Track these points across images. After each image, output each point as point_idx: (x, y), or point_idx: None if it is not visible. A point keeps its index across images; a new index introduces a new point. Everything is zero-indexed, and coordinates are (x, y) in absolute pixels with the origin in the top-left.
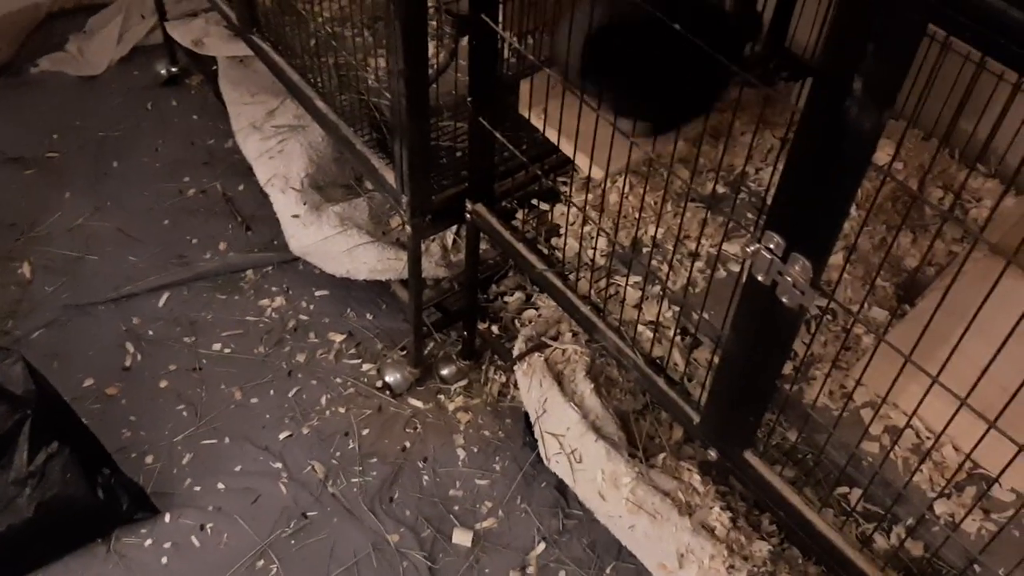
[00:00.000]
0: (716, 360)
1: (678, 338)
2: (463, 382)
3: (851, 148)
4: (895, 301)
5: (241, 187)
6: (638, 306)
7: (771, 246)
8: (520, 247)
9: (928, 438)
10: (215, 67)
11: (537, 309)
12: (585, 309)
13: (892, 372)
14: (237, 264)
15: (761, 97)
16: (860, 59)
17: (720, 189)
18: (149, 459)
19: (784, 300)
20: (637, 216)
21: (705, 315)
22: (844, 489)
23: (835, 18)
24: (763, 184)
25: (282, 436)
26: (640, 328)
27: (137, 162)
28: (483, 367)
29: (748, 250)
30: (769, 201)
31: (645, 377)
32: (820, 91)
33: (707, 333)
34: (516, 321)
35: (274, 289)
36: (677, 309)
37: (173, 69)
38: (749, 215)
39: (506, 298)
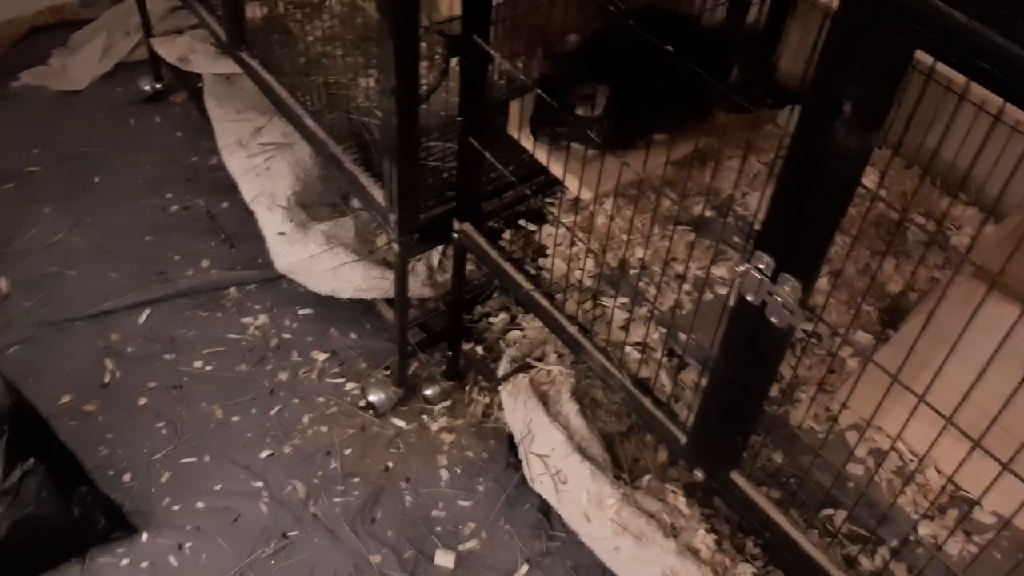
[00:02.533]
0: (703, 381)
1: (665, 359)
2: (447, 403)
3: (839, 169)
4: (879, 325)
5: (225, 204)
6: (625, 327)
7: (761, 266)
8: (507, 267)
9: (911, 460)
10: (200, 84)
11: (522, 330)
12: (572, 329)
13: (876, 395)
14: (219, 281)
15: (745, 123)
16: (849, 82)
17: (707, 213)
18: (127, 477)
19: (773, 320)
20: (625, 238)
21: (693, 336)
22: (829, 511)
23: (826, 42)
24: (749, 208)
25: (263, 455)
26: (627, 349)
27: (118, 178)
28: (467, 388)
29: (738, 270)
30: (758, 223)
31: (632, 398)
32: (810, 113)
33: (694, 355)
34: (501, 342)
35: (257, 307)
36: (664, 331)
37: (157, 86)
38: (736, 239)
39: (491, 319)
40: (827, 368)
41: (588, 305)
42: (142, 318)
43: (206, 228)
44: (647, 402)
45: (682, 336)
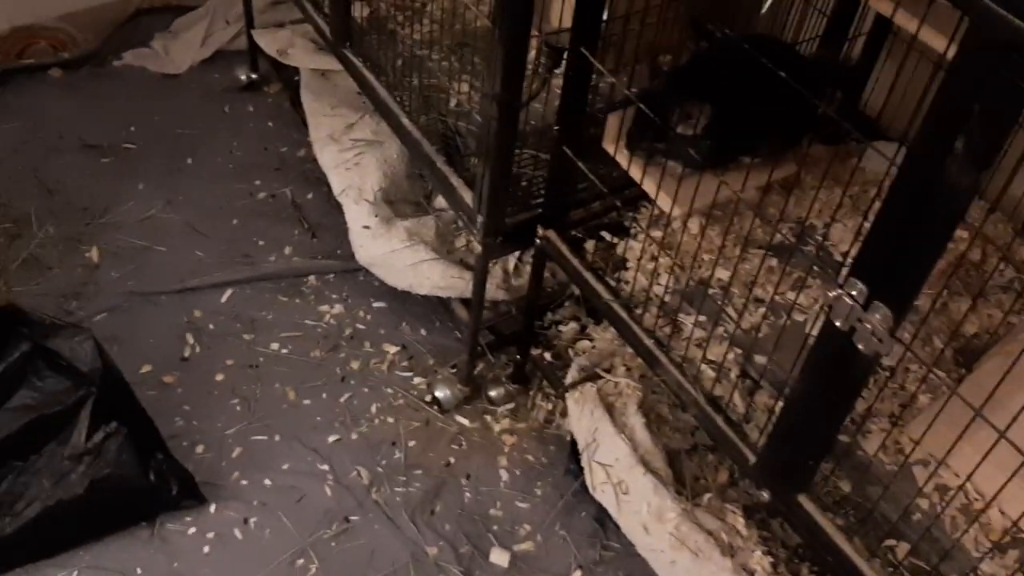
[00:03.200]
0: (777, 404)
1: (739, 380)
2: (510, 405)
3: (945, 205)
4: (953, 364)
5: (310, 195)
6: (701, 345)
7: (853, 293)
8: (588, 276)
9: (976, 499)
10: (297, 77)
11: (592, 340)
12: (649, 343)
13: (946, 433)
14: (300, 269)
15: (830, 155)
16: (965, 121)
17: (788, 239)
18: (200, 449)
19: (860, 347)
20: (706, 257)
21: (770, 359)
22: (892, 542)
23: (945, 78)
24: (832, 239)
25: (331, 439)
26: (702, 367)
27: (211, 161)
28: (531, 393)
29: (830, 295)
30: (839, 254)
31: (704, 414)
32: (921, 148)
33: (768, 378)
34: (569, 350)
35: (334, 296)
36: (739, 351)
37: (253, 76)
38: (815, 268)
39: (561, 327)
40: (900, 402)
41: (665, 321)
42: (224, 297)
43: (291, 216)
44: (719, 420)
45: (758, 359)
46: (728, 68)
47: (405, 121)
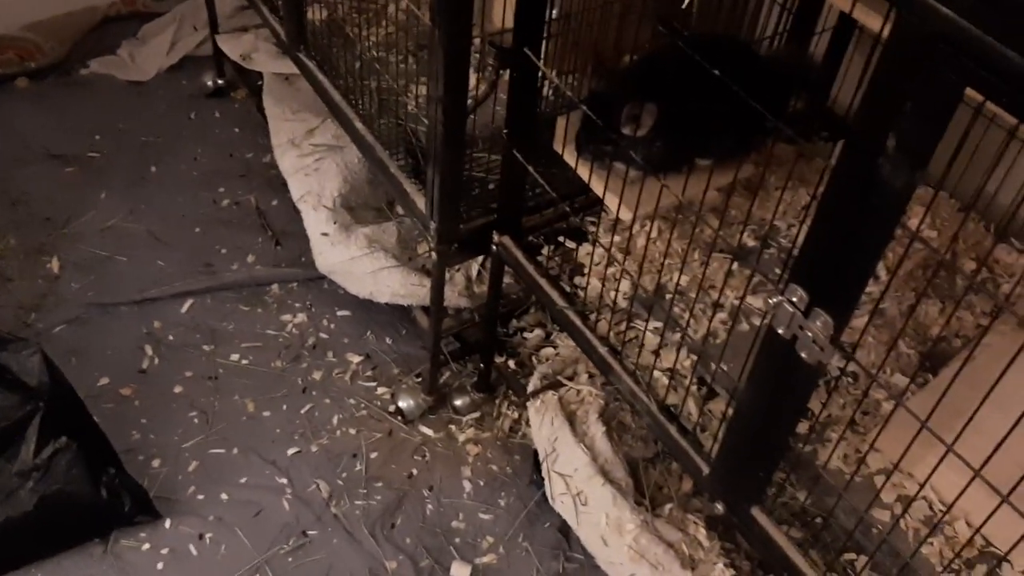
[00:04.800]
0: (730, 412)
1: (693, 387)
2: (475, 414)
3: (881, 206)
4: (919, 369)
5: (275, 202)
6: (656, 352)
7: (794, 299)
8: (543, 283)
9: (941, 510)
10: (260, 82)
11: (555, 347)
12: (603, 350)
13: (908, 440)
14: (263, 277)
15: (798, 154)
16: (896, 117)
17: (750, 242)
18: (156, 463)
19: (803, 355)
20: (662, 262)
21: (723, 366)
22: (851, 555)
23: (875, 74)
24: (794, 240)
25: (290, 452)
26: (656, 374)
27: (175, 169)
28: (497, 401)
29: (770, 302)
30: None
31: (657, 423)
32: (854, 146)
33: (724, 385)
34: (533, 357)
35: (297, 305)
36: (695, 358)
37: (219, 81)
38: (777, 270)
39: (525, 334)
40: (858, 407)
41: (622, 327)
42: (184, 307)
43: (254, 224)
44: (672, 429)
45: (713, 365)
46: (679, 68)
47: (359, 125)
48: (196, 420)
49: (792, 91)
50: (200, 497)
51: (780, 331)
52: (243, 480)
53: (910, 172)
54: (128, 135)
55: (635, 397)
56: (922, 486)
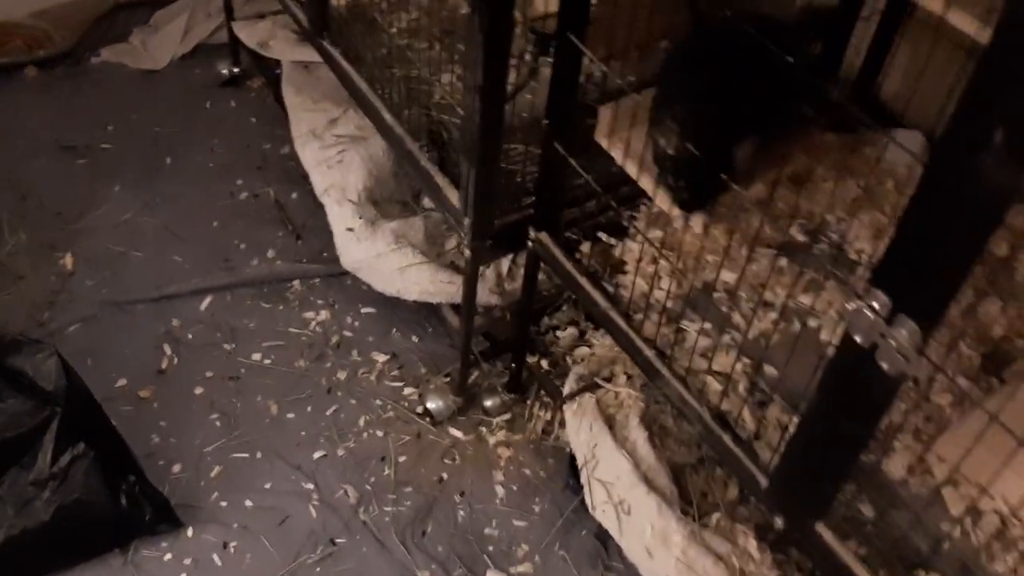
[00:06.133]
0: (791, 421)
1: (745, 392)
2: (506, 416)
3: (981, 205)
4: (981, 371)
5: (294, 195)
6: (707, 355)
7: (875, 305)
8: (583, 281)
9: (1015, 524)
10: (278, 71)
11: (591, 347)
12: (649, 353)
13: (978, 451)
14: (284, 273)
15: (843, 144)
16: (1006, 107)
17: (799, 238)
18: (176, 468)
19: (884, 366)
20: (712, 259)
21: (780, 372)
22: (921, 573)
23: (982, 60)
24: (845, 236)
25: (316, 456)
26: (707, 379)
27: (190, 160)
28: (528, 402)
29: (848, 307)
30: (855, 251)
31: (710, 432)
32: (952, 141)
33: (780, 391)
34: (567, 358)
35: (320, 302)
36: (748, 362)
37: (235, 70)
38: (828, 266)
39: (558, 332)
40: (925, 415)
41: (667, 329)
42: (203, 305)
43: (274, 218)
44: (727, 438)
45: (769, 370)
46: (708, 61)
47: (386, 116)
48: (218, 423)
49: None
50: (223, 504)
51: (858, 338)
52: (268, 486)
53: (1017, 168)
54: (141, 126)
55: (685, 404)
56: (981, 493)
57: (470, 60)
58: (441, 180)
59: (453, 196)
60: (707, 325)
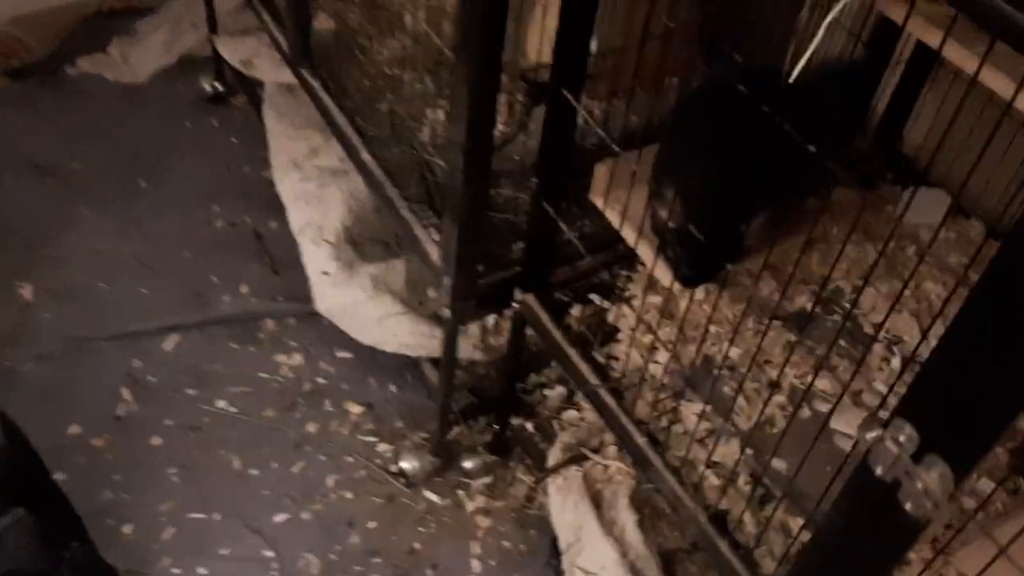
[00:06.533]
0: (797, 526)
1: (746, 486)
2: (487, 479)
3: None
4: (1009, 470)
5: (274, 224)
6: (703, 441)
7: (901, 439)
8: (571, 353)
9: None
10: (262, 91)
11: (579, 411)
12: (640, 440)
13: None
14: (257, 311)
15: (861, 201)
16: None
17: (810, 307)
18: (127, 529)
19: (907, 507)
20: (713, 329)
21: (781, 462)
22: None
23: None
24: (862, 306)
25: (279, 519)
26: (704, 471)
27: (167, 184)
28: (511, 465)
29: (867, 436)
30: (871, 324)
31: (705, 537)
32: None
33: (783, 486)
34: (555, 422)
35: (293, 344)
36: (750, 452)
37: (219, 86)
38: (843, 343)
39: (546, 391)
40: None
41: (664, 407)
42: (169, 344)
43: (251, 249)
44: (724, 546)
45: (773, 464)
46: (718, 119)
47: (366, 156)
48: (175, 478)
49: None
50: (175, 571)
51: (878, 471)
52: (225, 551)
53: None
54: (117, 144)
55: (679, 502)
56: None
57: (454, 114)
58: (421, 232)
59: (434, 252)
60: (707, 407)
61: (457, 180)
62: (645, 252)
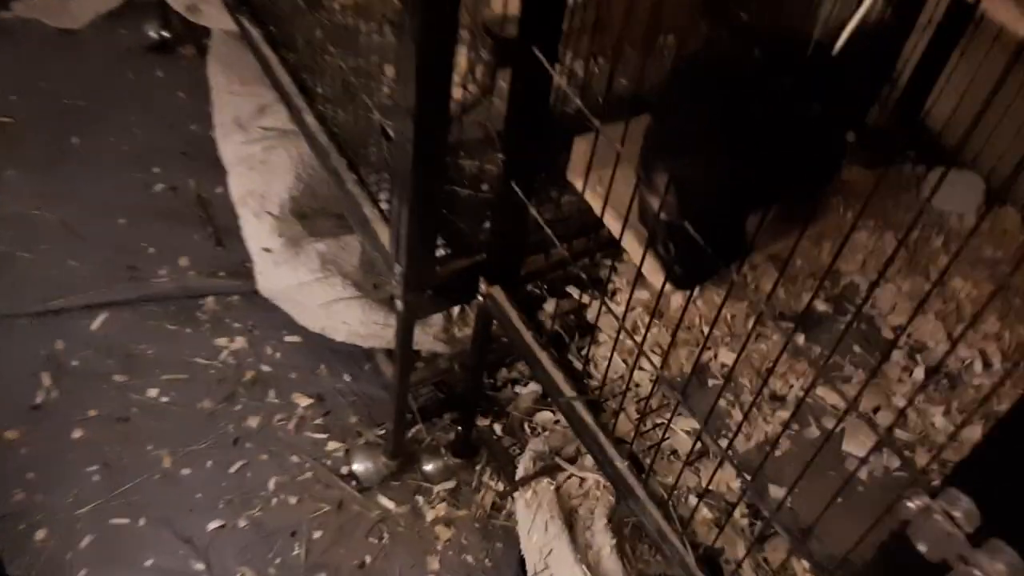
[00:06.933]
0: (800, 568)
1: (744, 520)
2: (450, 484)
3: None
4: None
5: (220, 190)
6: (696, 467)
7: (956, 515)
8: (543, 357)
9: None
10: (208, 40)
11: (555, 412)
12: (621, 464)
13: None
14: (197, 288)
15: (873, 181)
16: None
17: (820, 306)
18: (40, 534)
19: None
20: (705, 331)
21: (784, 491)
22: None
23: None
24: (879, 306)
25: (211, 526)
26: (696, 506)
27: (102, 142)
28: (477, 468)
29: (910, 504)
30: (887, 326)
31: None
32: None
33: (786, 521)
34: (526, 425)
35: (236, 326)
36: (747, 477)
37: (165, 34)
38: (857, 348)
39: (517, 388)
40: None
41: (649, 427)
42: (96, 323)
43: (193, 217)
44: None
45: (774, 490)
46: (721, 91)
47: (310, 119)
48: (97, 476)
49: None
50: None
51: (922, 548)
52: (148, 562)
53: None
54: (50, 96)
55: (664, 540)
56: None
57: (401, 75)
58: (370, 211)
59: (383, 234)
60: (697, 425)
61: (406, 152)
62: (632, 245)
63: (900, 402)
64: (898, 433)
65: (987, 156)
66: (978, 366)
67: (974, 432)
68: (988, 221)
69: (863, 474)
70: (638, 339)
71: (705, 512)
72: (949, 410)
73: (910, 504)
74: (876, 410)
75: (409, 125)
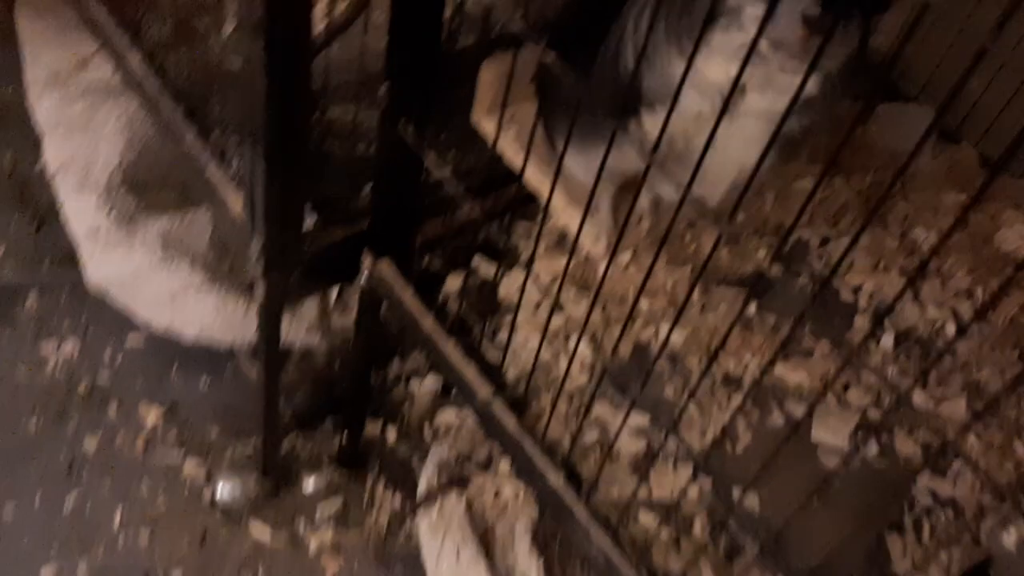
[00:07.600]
0: None
1: (705, 533)
2: (335, 503)
3: None
4: None
5: (39, 166)
6: (641, 470)
7: None
8: (448, 347)
9: None
10: None
11: (461, 407)
12: (556, 479)
13: None
14: (14, 282)
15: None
16: None
17: (769, 268)
18: None
19: None
20: (646, 305)
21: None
22: None
23: None
24: (835, 259)
25: (45, 572)
26: (644, 518)
27: None
28: (368, 482)
29: (1003, 536)
30: (850, 287)
31: None
32: None
33: (753, 526)
34: (426, 425)
35: (65, 326)
36: (710, 479)
37: None
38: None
39: (412, 383)
40: None
41: (584, 429)
42: None
43: (8, 197)
44: None
45: (738, 492)
46: None
47: (135, 63)
48: None
49: None
50: None
51: None
52: None
53: None
54: None
55: (611, 566)
56: None
57: None
58: (215, 172)
59: (234, 201)
60: (642, 420)
61: (258, 87)
62: (555, 196)
63: (870, 378)
64: (872, 413)
65: (937, 88)
66: (951, 328)
67: (958, 407)
68: (944, 163)
69: (833, 464)
70: (565, 317)
71: (652, 522)
72: (926, 383)
73: (1002, 536)
74: (846, 387)
75: (260, 46)
